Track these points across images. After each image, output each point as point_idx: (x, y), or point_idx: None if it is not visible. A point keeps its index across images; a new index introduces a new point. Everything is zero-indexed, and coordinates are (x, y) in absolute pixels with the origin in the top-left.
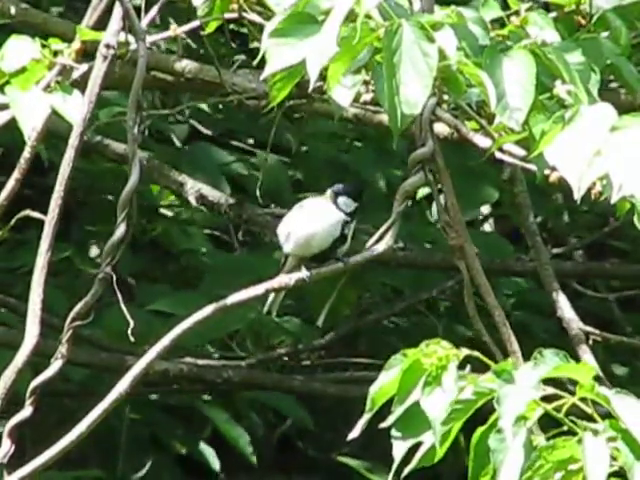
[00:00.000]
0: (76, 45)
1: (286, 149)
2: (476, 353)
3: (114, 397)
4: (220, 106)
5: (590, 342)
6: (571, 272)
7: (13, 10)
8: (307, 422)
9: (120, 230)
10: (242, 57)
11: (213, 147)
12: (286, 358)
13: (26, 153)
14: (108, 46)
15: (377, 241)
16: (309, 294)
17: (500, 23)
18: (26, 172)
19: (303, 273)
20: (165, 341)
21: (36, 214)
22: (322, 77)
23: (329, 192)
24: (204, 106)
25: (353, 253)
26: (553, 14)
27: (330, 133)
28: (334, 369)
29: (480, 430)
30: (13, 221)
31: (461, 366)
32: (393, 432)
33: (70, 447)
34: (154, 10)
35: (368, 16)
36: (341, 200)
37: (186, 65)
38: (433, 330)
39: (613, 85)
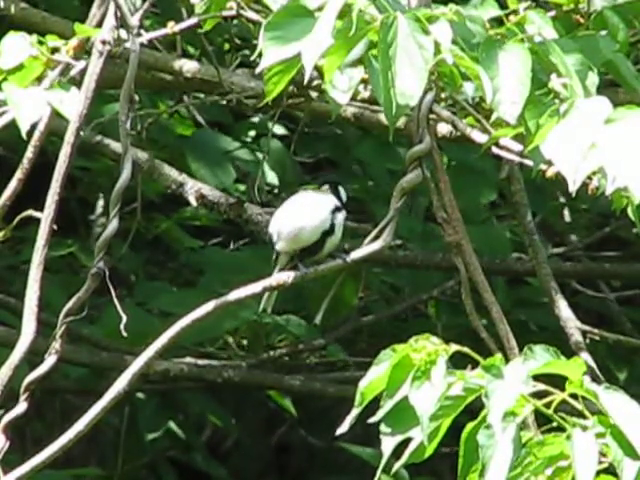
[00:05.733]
0: (73, 42)
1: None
2: (465, 349)
3: (113, 395)
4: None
5: (587, 340)
6: (570, 272)
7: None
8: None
9: (112, 225)
10: (246, 52)
11: (218, 134)
12: (286, 358)
13: (29, 153)
14: (104, 42)
15: (375, 238)
16: (308, 292)
17: (499, 22)
18: (29, 172)
19: (301, 270)
20: (164, 339)
21: (36, 213)
22: (321, 75)
23: (326, 186)
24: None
25: (351, 251)
26: (552, 13)
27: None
28: (334, 369)
29: (470, 426)
30: (15, 222)
31: (462, 366)
32: (382, 427)
33: (69, 445)
34: (146, 5)
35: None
36: (341, 189)
37: (184, 64)
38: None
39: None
